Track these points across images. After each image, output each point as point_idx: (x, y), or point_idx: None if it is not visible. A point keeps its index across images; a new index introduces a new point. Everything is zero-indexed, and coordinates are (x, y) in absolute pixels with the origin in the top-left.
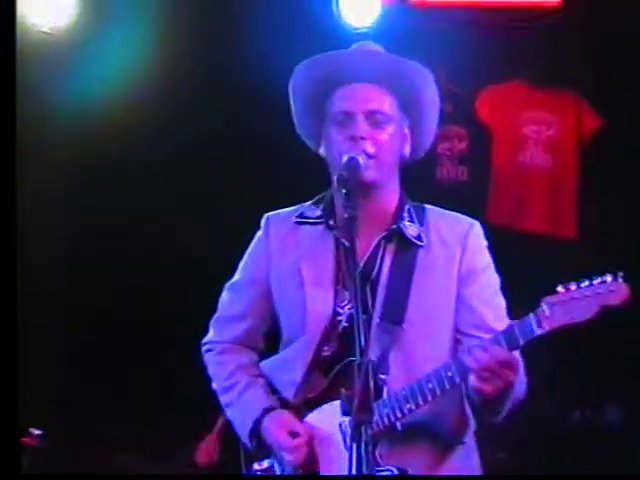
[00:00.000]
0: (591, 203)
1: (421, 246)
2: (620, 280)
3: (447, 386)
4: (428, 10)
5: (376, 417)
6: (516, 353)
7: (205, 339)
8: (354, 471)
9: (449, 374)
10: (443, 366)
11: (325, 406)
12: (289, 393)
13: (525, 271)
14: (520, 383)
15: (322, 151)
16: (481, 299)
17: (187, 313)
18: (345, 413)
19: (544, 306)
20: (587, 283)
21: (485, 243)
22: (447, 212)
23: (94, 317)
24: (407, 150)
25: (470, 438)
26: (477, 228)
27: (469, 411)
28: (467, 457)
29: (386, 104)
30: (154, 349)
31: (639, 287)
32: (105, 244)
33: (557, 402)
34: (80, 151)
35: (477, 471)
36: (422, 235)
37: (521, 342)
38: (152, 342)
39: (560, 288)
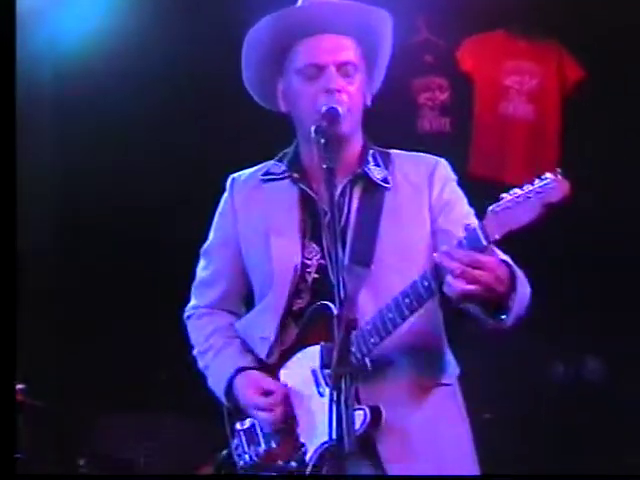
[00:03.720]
0: (573, 154)
1: (387, 188)
2: (559, 176)
3: (406, 312)
4: None
5: None
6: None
7: (186, 307)
8: (334, 428)
9: (406, 301)
10: (400, 294)
11: (297, 355)
12: (263, 351)
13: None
14: (521, 283)
15: (283, 107)
16: (458, 224)
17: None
18: (324, 366)
19: (488, 214)
20: (529, 185)
21: (454, 177)
22: (412, 154)
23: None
24: (369, 98)
25: (453, 382)
26: (443, 164)
27: (450, 354)
28: (448, 399)
29: (354, 54)
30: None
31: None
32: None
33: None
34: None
35: (459, 416)
36: (388, 178)
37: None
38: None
39: (503, 194)
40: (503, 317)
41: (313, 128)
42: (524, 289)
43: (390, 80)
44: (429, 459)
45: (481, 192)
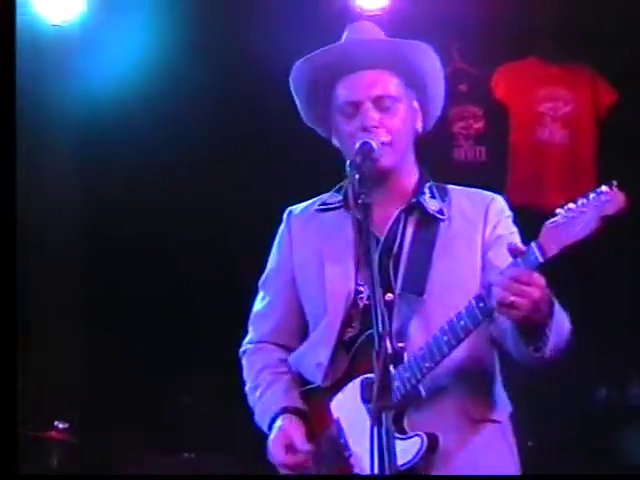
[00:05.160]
0: (610, 179)
1: (442, 220)
2: (615, 189)
3: (461, 334)
4: None
5: (398, 383)
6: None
7: (243, 342)
8: (375, 460)
9: (461, 323)
10: (455, 316)
11: (349, 385)
12: (317, 378)
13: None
14: (559, 313)
15: (335, 142)
16: (508, 260)
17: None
18: (365, 400)
19: (544, 230)
20: (583, 199)
21: (509, 214)
22: (469, 189)
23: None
24: (419, 125)
25: (505, 419)
26: (499, 200)
27: (502, 392)
28: (501, 438)
29: (391, 86)
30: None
31: None
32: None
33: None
34: (87, 144)
35: (512, 455)
36: (444, 210)
37: None
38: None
39: (558, 210)
40: (540, 345)
41: (348, 163)
42: (562, 319)
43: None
44: None
45: (519, 220)
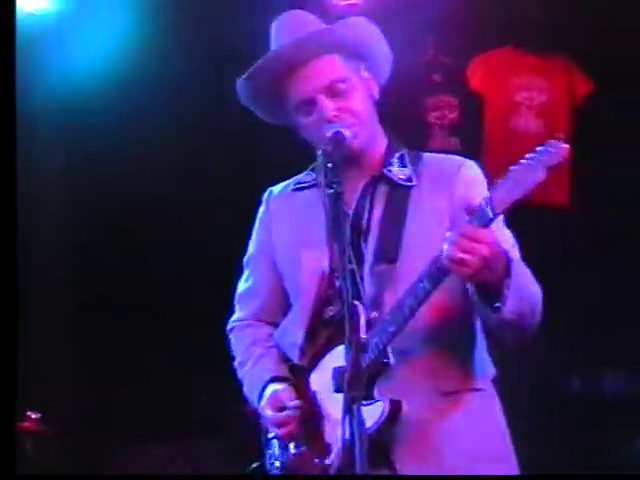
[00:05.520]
0: (583, 169)
1: (411, 187)
2: (560, 142)
3: (421, 296)
4: None
5: (369, 351)
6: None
7: (230, 320)
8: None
9: (420, 285)
10: (417, 278)
11: (326, 357)
12: (294, 355)
13: (518, 239)
14: (521, 275)
15: (302, 135)
16: None
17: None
18: (337, 389)
19: (494, 186)
20: (531, 154)
21: (483, 179)
22: (443, 155)
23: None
24: (375, 90)
25: (488, 386)
26: (470, 165)
27: (485, 356)
28: (484, 406)
29: (335, 69)
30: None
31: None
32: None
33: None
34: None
35: (497, 423)
36: (412, 177)
37: None
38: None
39: (510, 167)
40: (498, 305)
41: (319, 152)
42: (524, 281)
43: (399, 100)
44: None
45: None
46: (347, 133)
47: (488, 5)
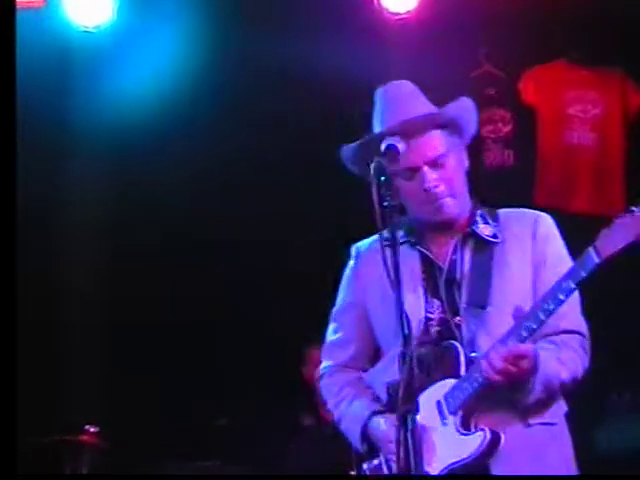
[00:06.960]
0: (639, 181)
1: (497, 243)
2: None
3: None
4: None
5: (466, 384)
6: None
7: (319, 368)
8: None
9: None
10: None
11: (424, 392)
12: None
13: (575, 252)
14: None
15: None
16: (554, 278)
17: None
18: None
19: (600, 234)
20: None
21: (555, 231)
22: (516, 210)
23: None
24: (466, 158)
25: (560, 421)
26: (543, 218)
27: (555, 388)
28: (555, 440)
29: (440, 145)
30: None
31: None
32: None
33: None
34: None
35: (568, 455)
36: (497, 234)
37: (583, 274)
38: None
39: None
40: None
41: (372, 166)
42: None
43: None
44: None
45: None
46: (400, 147)
47: (540, 18)
